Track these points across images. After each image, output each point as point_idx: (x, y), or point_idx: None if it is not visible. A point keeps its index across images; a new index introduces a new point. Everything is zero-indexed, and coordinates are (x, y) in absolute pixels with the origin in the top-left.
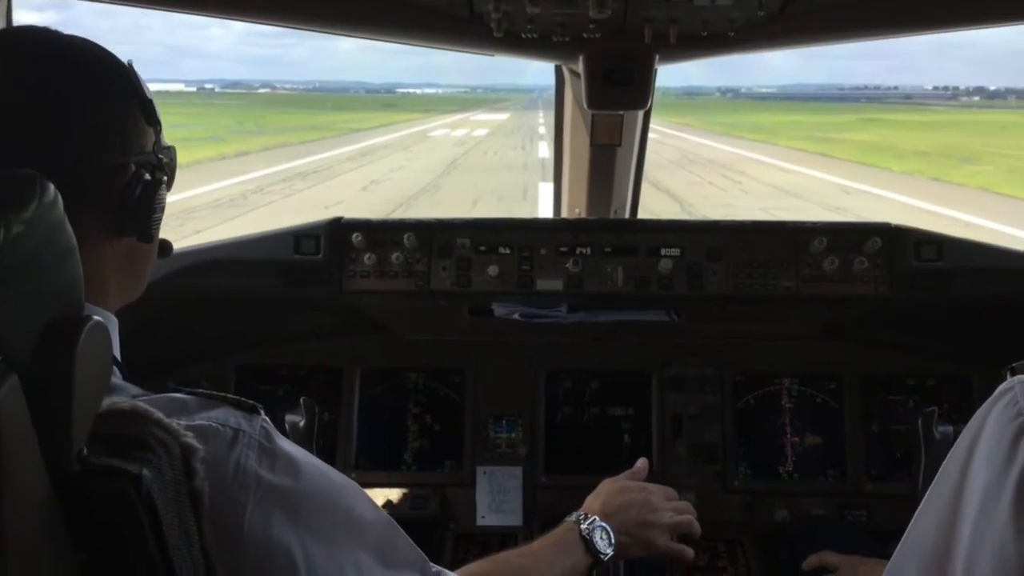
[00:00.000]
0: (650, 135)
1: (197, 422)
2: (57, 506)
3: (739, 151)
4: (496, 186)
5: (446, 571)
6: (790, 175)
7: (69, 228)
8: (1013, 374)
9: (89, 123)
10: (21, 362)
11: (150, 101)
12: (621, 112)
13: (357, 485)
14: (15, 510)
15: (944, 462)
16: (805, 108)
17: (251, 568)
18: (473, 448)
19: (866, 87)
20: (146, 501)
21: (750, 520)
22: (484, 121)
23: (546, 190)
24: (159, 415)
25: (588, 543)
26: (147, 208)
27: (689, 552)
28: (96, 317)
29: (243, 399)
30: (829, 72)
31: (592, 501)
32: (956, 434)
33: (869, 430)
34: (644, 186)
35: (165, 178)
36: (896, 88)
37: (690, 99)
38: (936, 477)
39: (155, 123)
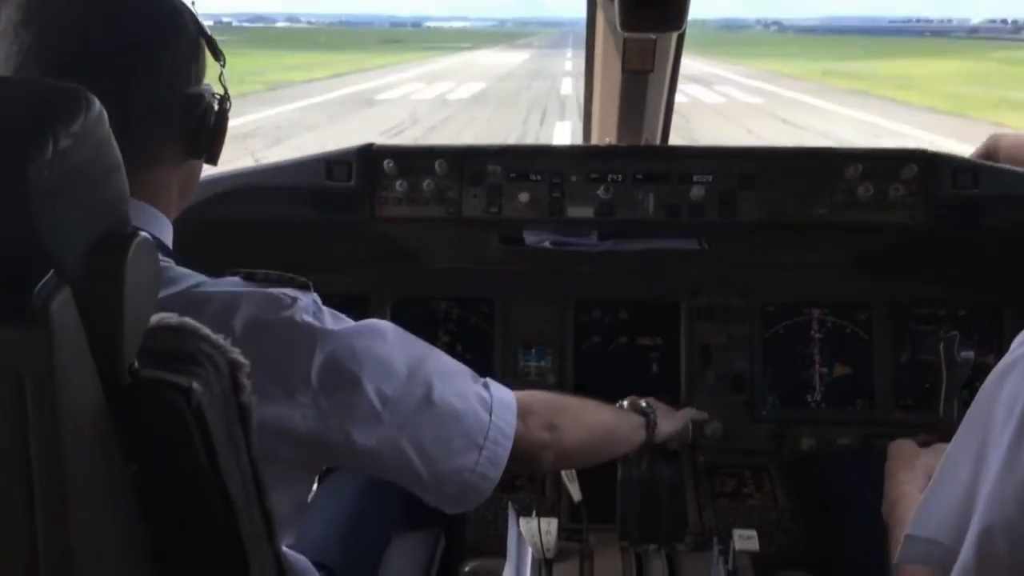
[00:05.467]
0: (750, 98)
1: (259, 289)
2: (110, 418)
3: None
4: None
5: (492, 381)
6: None
7: (115, 144)
8: None
9: (172, 55)
10: (73, 276)
11: (212, 38)
12: (654, 36)
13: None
14: (71, 420)
15: (970, 408)
16: (888, 46)
17: (327, 414)
18: (503, 376)
19: (917, 20)
20: (196, 413)
21: (777, 449)
22: (488, 67)
23: None
24: (206, 331)
25: (637, 410)
26: (220, 134)
27: (703, 413)
28: (144, 233)
29: (295, 276)
30: (865, 3)
31: None
32: (977, 360)
33: (899, 360)
34: None
35: (229, 105)
36: (951, 21)
37: (732, 33)
38: (963, 423)
39: (219, 57)
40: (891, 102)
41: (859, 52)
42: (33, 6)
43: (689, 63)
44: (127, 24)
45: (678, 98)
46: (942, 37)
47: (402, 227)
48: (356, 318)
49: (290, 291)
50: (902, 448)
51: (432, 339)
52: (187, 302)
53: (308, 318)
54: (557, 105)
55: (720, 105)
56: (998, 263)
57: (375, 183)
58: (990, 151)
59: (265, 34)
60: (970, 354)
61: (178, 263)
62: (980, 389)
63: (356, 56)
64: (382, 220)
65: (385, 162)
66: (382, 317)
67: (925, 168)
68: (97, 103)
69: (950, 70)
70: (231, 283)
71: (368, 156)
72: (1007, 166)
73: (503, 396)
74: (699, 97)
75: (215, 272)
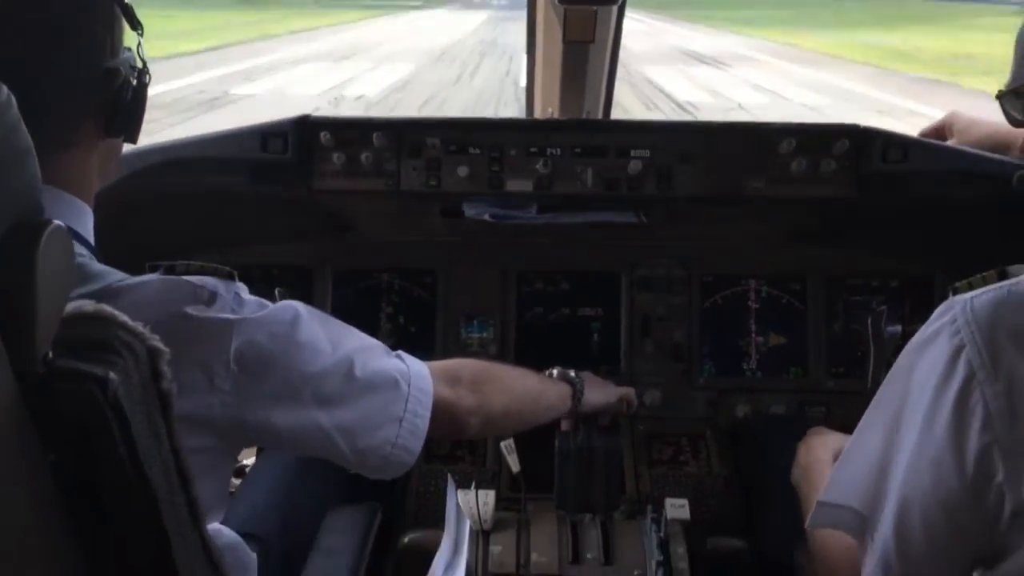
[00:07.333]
0: (804, 94)
1: (177, 279)
2: (25, 410)
3: None
4: None
5: (405, 354)
6: None
7: (24, 129)
8: (955, 294)
9: (83, 30)
10: None
11: (129, 5)
12: (595, 8)
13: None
14: None
15: (886, 379)
16: (879, 8)
17: (246, 397)
18: (445, 347)
19: None
20: (113, 403)
21: (713, 416)
22: (429, 34)
23: None
24: (124, 318)
25: (565, 379)
26: (138, 111)
27: (632, 391)
28: (57, 222)
29: (219, 267)
30: None
31: None
32: (904, 334)
33: (832, 330)
34: None
35: (148, 79)
36: None
37: None
38: (878, 393)
39: (137, 27)
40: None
41: (864, 18)
42: None
43: (675, 30)
44: None
45: (700, 99)
46: None
47: (340, 199)
48: (298, 289)
49: (211, 280)
50: (819, 428)
51: (375, 311)
52: (103, 298)
53: (225, 312)
54: (515, 108)
55: (767, 107)
56: (928, 235)
57: (312, 156)
58: (944, 127)
59: None
60: (897, 328)
61: (100, 257)
62: (898, 359)
63: (279, 15)
64: (319, 193)
65: (322, 134)
66: (323, 289)
67: (856, 143)
68: (4, 89)
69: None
70: (150, 278)
71: (304, 128)
72: (939, 142)
73: (418, 368)
74: (725, 92)
75: (150, 243)
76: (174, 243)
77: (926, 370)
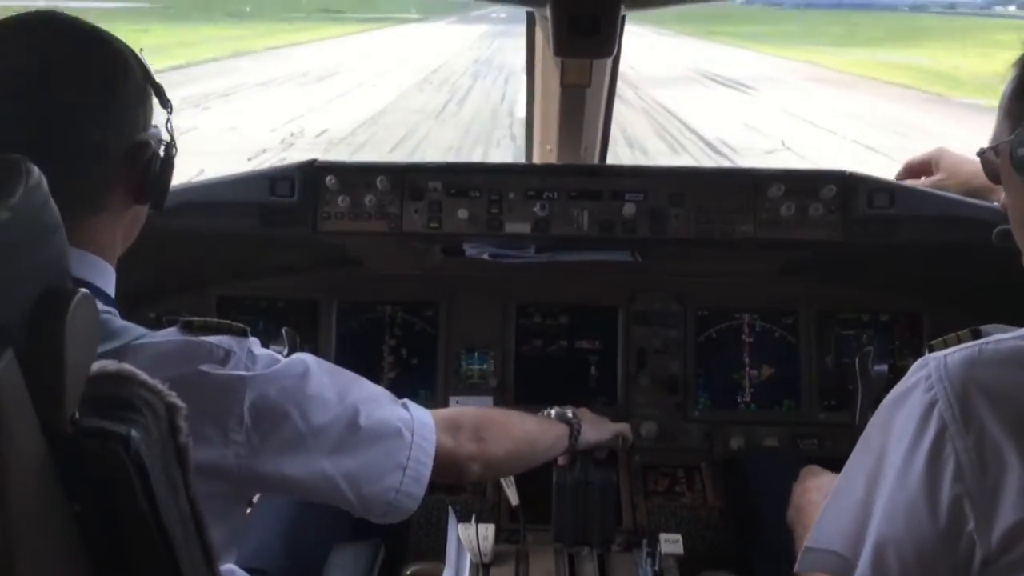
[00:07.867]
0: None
1: (194, 340)
2: (53, 465)
3: None
4: None
5: (411, 402)
6: None
7: (53, 205)
8: (931, 351)
9: (119, 105)
10: (15, 335)
11: (160, 85)
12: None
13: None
14: (15, 471)
15: (867, 428)
16: (890, 25)
17: (258, 449)
18: (446, 379)
19: None
20: (135, 460)
21: (708, 448)
22: (419, 50)
23: None
24: (144, 376)
25: (562, 419)
26: (166, 181)
27: (627, 427)
28: (83, 290)
29: (234, 324)
30: None
31: None
32: (891, 371)
33: (823, 363)
34: None
35: (175, 152)
36: None
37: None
38: (860, 441)
39: (166, 104)
40: None
41: (878, 33)
42: None
43: (683, 46)
44: (74, 76)
45: (734, 135)
46: (922, 13)
47: (345, 240)
48: (304, 323)
49: (225, 339)
50: (812, 468)
51: (378, 343)
52: (124, 355)
53: (239, 369)
54: (510, 147)
55: (817, 146)
56: (915, 274)
57: (317, 198)
58: (931, 162)
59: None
60: (883, 367)
61: (123, 313)
62: (878, 409)
63: (264, 30)
64: (325, 234)
65: (327, 178)
66: (328, 321)
67: (843, 189)
68: (36, 171)
69: None
70: (168, 335)
71: (310, 172)
72: (925, 188)
73: (422, 416)
74: (762, 126)
75: (165, 275)
76: (185, 277)
77: (903, 422)
